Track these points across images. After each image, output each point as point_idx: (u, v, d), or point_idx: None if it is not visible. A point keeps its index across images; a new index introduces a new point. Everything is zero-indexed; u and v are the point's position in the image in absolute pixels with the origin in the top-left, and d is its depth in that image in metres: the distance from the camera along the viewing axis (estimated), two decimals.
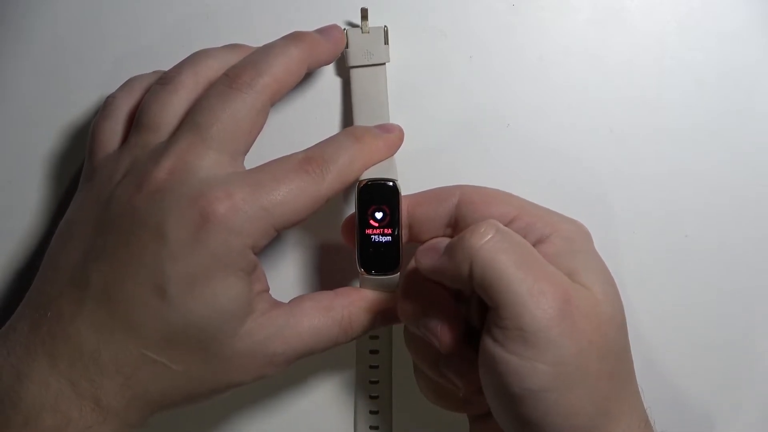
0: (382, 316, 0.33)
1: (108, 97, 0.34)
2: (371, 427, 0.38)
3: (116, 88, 0.34)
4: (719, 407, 0.37)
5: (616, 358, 0.29)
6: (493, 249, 0.28)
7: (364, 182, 0.32)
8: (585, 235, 0.32)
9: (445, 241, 0.30)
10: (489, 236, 0.28)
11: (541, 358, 0.27)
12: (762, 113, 0.36)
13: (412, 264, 0.32)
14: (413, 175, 0.36)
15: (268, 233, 0.30)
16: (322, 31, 0.34)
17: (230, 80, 0.31)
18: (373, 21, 0.35)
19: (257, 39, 0.34)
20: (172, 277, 0.28)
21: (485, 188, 0.33)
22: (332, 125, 0.37)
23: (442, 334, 0.30)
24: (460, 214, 0.32)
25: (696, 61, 0.36)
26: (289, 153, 0.31)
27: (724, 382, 0.37)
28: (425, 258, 0.30)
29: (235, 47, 0.33)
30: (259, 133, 0.31)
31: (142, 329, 0.29)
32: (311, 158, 0.30)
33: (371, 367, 0.38)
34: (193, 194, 0.29)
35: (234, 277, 0.29)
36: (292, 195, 0.29)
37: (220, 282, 0.29)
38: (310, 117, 0.37)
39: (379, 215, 0.32)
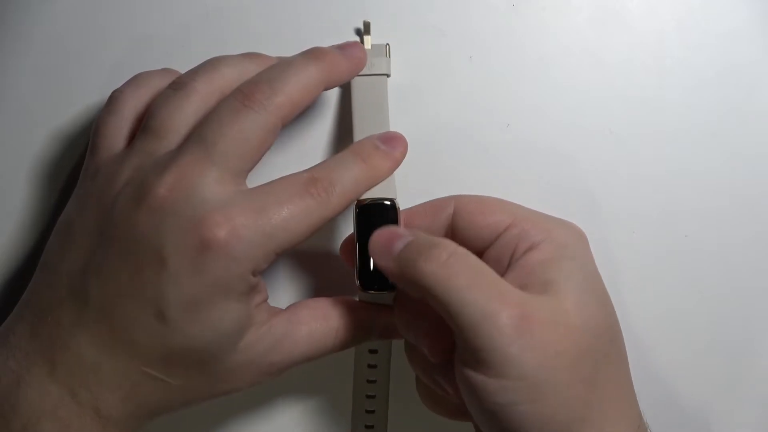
0: (379, 329, 0.33)
1: (114, 91, 0.33)
2: (367, 426, 0.38)
3: (116, 84, 0.34)
4: (718, 408, 0.37)
5: (596, 365, 0.29)
6: (445, 274, 0.27)
7: (362, 202, 0.32)
8: (579, 240, 0.31)
9: (403, 238, 0.29)
10: (441, 260, 0.28)
11: (504, 374, 0.27)
12: (762, 113, 0.36)
13: None
14: (413, 175, 0.36)
15: (270, 258, 0.29)
16: (343, 49, 0.33)
17: (244, 96, 0.30)
18: (373, 21, 0.35)
19: (257, 38, 0.34)
20: (172, 302, 0.28)
21: (480, 196, 0.32)
22: (331, 133, 0.36)
23: (429, 343, 0.30)
24: (456, 224, 0.32)
25: (696, 60, 0.36)
26: (286, 158, 0.31)
27: (724, 383, 0.37)
28: (377, 254, 0.30)
29: (253, 56, 0.32)
30: (266, 152, 0.30)
31: (142, 348, 0.28)
32: (317, 180, 0.30)
33: (369, 366, 0.37)
34: (194, 218, 0.28)
35: (234, 301, 0.29)
36: (296, 220, 0.29)
37: (220, 306, 0.28)
38: (310, 123, 0.36)
39: None
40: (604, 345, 0.29)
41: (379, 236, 0.30)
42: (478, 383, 0.27)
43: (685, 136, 0.36)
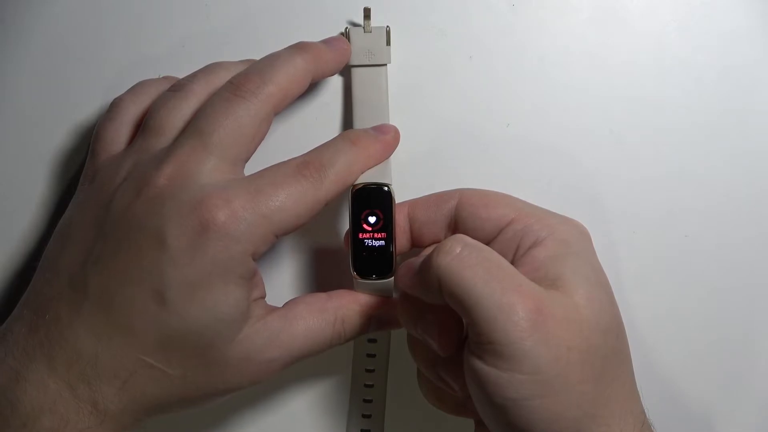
0: (377, 320, 0.33)
1: (115, 99, 0.34)
2: (364, 416, 0.38)
3: (116, 88, 0.34)
4: (719, 407, 0.37)
5: (604, 361, 0.29)
6: (459, 266, 0.27)
7: (357, 186, 0.32)
8: (582, 237, 0.31)
9: (420, 256, 0.30)
10: (455, 252, 0.28)
11: (518, 368, 0.27)
12: (762, 113, 0.36)
13: None
14: (413, 175, 0.36)
15: (268, 239, 0.29)
16: (328, 42, 0.34)
17: (234, 87, 0.31)
18: (373, 21, 0.35)
19: (257, 38, 0.34)
20: (172, 284, 0.28)
21: (484, 190, 0.33)
22: (332, 123, 0.37)
23: (439, 337, 0.30)
24: (459, 216, 0.32)
25: (696, 60, 0.36)
26: (287, 149, 0.31)
27: (724, 382, 0.37)
28: (402, 279, 0.30)
29: (250, 62, 0.33)
30: (261, 141, 0.31)
31: (140, 334, 0.29)
32: (309, 163, 0.30)
33: (367, 370, 0.37)
34: (193, 201, 0.29)
35: (233, 285, 0.29)
36: (291, 200, 0.29)
37: (219, 289, 0.29)
38: (310, 115, 0.37)
39: (372, 219, 0.32)
40: (612, 341, 0.30)
41: (401, 266, 0.31)
42: (490, 377, 0.27)
43: (685, 136, 0.36)
